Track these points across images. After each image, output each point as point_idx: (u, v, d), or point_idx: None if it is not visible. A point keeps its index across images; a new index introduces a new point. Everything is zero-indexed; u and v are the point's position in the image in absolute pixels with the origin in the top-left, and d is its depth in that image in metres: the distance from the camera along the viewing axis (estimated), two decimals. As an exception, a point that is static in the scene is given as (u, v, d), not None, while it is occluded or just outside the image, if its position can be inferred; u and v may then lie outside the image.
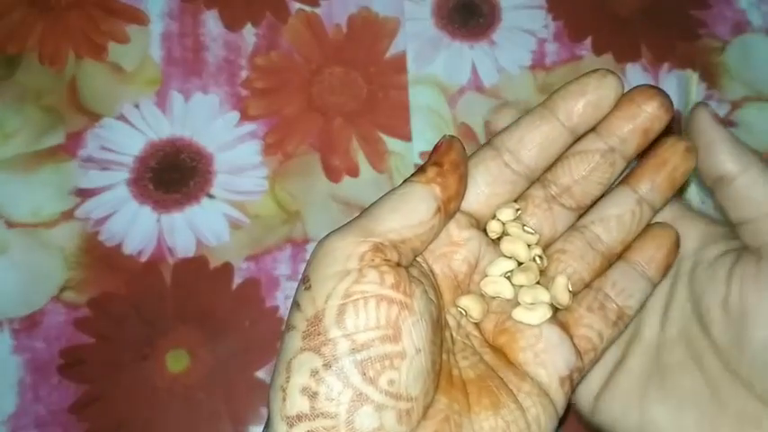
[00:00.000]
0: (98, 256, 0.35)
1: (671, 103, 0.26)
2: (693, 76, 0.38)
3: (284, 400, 0.21)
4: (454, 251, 0.25)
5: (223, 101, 0.38)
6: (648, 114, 0.26)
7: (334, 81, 0.39)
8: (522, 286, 0.26)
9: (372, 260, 0.22)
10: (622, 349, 0.29)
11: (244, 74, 0.39)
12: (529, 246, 0.26)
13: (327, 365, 0.20)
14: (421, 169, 0.24)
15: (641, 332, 0.29)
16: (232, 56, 0.39)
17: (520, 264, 0.26)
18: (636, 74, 0.40)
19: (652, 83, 0.39)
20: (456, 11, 0.40)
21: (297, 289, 0.22)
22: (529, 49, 0.40)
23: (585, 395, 0.29)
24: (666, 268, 0.27)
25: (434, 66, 0.39)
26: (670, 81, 0.40)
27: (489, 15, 0.41)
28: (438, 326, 0.23)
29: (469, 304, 0.25)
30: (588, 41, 0.40)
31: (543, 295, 0.25)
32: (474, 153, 0.26)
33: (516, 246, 0.26)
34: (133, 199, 0.36)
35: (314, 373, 0.20)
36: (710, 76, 0.40)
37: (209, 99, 0.38)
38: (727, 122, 0.39)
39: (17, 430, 0.33)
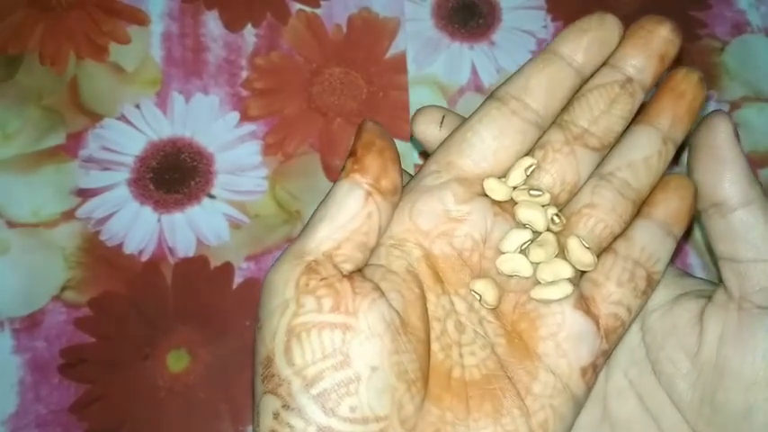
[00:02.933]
0: (99, 256, 0.35)
1: (680, 28, 0.25)
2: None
3: None
4: (454, 228, 0.23)
5: (223, 101, 0.38)
6: (663, 39, 0.25)
7: (335, 81, 0.39)
8: (539, 263, 0.24)
9: (307, 285, 0.21)
10: None
11: (244, 74, 0.39)
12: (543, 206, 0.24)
13: (286, 406, 0.20)
14: (342, 168, 0.23)
15: None
16: (232, 56, 0.39)
17: (536, 234, 0.24)
18: (635, 74, 0.40)
19: (652, 83, 0.40)
20: (456, 11, 0.41)
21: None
22: (528, 50, 0.40)
23: None
24: (689, 222, 0.25)
25: (434, 66, 0.39)
26: (670, 81, 0.40)
27: (489, 16, 0.41)
28: (406, 330, 0.21)
29: (483, 288, 0.23)
30: (588, 42, 0.40)
31: (564, 270, 0.23)
32: (476, 109, 0.25)
33: (532, 212, 0.23)
34: (134, 199, 0.36)
35: (276, 415, 0.20)
36: (710, 77, 0.40)
37: (209, 99, 0.38)
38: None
39: (18, 430, 0.33)
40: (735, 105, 0.39)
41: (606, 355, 0.24)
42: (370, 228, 0.22)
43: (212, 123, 0.38)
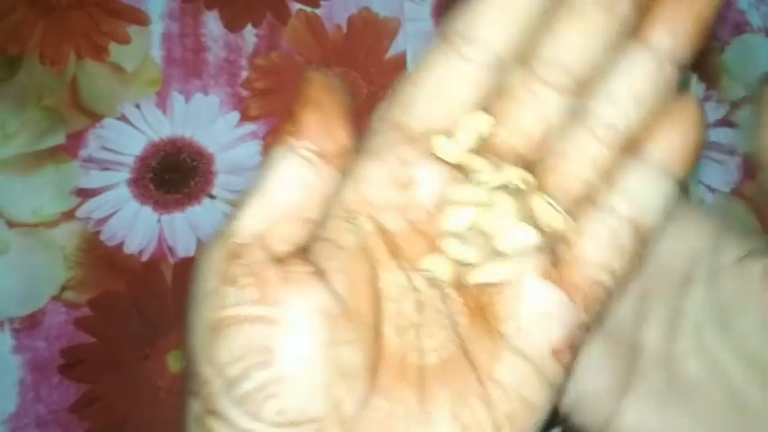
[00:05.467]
0: (99, 256, 0.35)
1: None
2: (692, 77, 0.38)
3: None
4: (403, 197, 0.20)
5: (223, 101, 0.38)
6: None
7: (335, 81, 0.39)
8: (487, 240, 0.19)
9: (230, 272, 0.18)
10: (623, 372, 0.22)
11: (244, 74, 0.39)
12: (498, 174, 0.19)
13: (207, 410, 0.18)
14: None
15: (644, 346, 0.22)
16: (232, 56, 0.39)
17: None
18: (635, 74, 0.40)
19: (652, 83, 0.39)
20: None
21: None
22: (529, 50, 0.40)
23: (594, 426, 0.22)
24: (696, 157, 0.20)
25: (434, 66, 0.39)
26: (669, 81, 0.40)
27: (489, 16, 0.41)
28: (349, 317, 0.19)
29: (433, 264, 0.20)
30: (588, 42, 0.40)
31: (527, 236, 0.19)
32: (425, 53, 0.20)
33: (466, 192, 0.20)
34: (134, 199, 0.36)
35: (197, 420, 0.18)
36: (709, 77, 0.40)
37: (209, 99, 0.38)
38: (726, 123, 0.39)
39: (18, 430, 0.33)
40: (734, 105, 0.39)
41: (587, 329, 0.20)
42: (311, 200, 0.19)
43: (212, 123, 0.38)
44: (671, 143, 0.20)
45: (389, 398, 0.18)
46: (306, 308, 0.18)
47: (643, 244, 0.20)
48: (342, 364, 0.18)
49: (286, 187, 0.19)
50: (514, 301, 0.19)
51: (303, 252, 0.19)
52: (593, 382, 0.22)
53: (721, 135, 0.39)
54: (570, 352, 0.19)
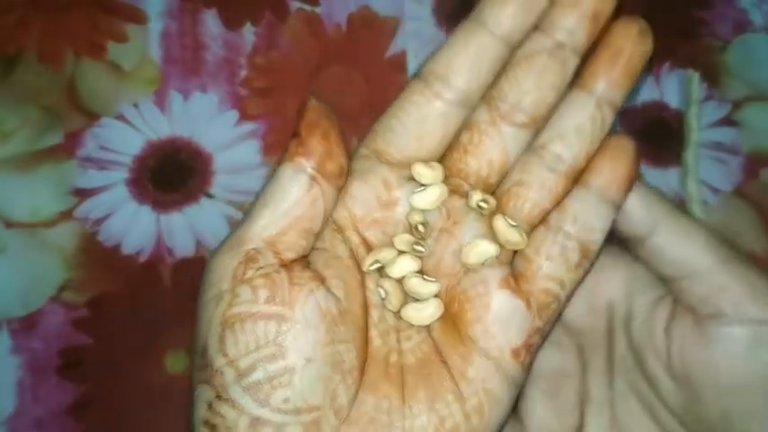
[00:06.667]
0: (97, 257, 0.35)
1: None
2: (695, 76, 0.38)
3: None
4: (385, 215, 0.23)
5: (222, 100, 0.38)
6: None
7: (334, 81, 0.39)
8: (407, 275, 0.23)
9: (244, 274, 0.21)
10: (576, 415, 0.27)
11: (243, 73, 0.39)
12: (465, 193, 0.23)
13: (219, 396, 0.20)
14: (285, 150, 0.22)
15: (590, 392, 0.26)
16: (231, 55, 0.39)
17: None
18: (637, 73, 0.40)
19: (653, 82, 0.39)
20: (456, 10, 0.40)
21: None
22: (529, 49, 0.40)
23: None
24: (629, 185, 0.24)
25: (434, 65, 0.39)
26: (671, 80, 0.39)
27: (490, 14, 0.41)
28: (345, 318, 0.21)
29: (389, 290, 0.23)
30: (589, 41, 0.40)
31: (489, 249, 0.22)
32: (403, 90, 0.24)
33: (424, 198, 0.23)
34: (132, 199, 0.36)
35: (209, 405, 0.20)
36: (711, 76, 0.40)
37: (208, 98, 0.38)
38: (728, 122, 0.39)
39: (16, 431, 0.33)
40: (736, 105, 0.39)
41: (542, 333, 0.23)
42: (314, 214, 0.22)
43: (211, 122, 0.38)
44: (608, 174, 0.23)
45: (375, 393, 0.21)
46: (311, 309, 0.21)
47: (588, 259, 0.23)
48: (339, 361, 0.21)
49: (294, 201, 0.21)
50: (482, 308, 0.22)
51: (305, 260, 0.22)
52: (549, 427, 0.26)
53: (723, 134, 0.39)
54: (527, 353, 0.23)
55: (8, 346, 0.34)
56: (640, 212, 0.24)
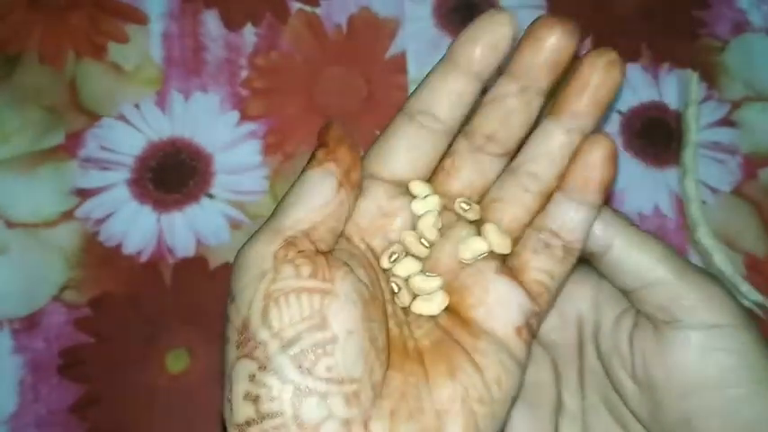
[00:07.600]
0: (98, 256, 0.35)
1: (573, 26, 0.25)
2: (693, 76, 0.38)
3: (231, 410, 0.21)
4: (388, 223, 0.25)
5: (223, 101, 0.38)
6: (553, 46, 0.25)
7: (335, 81, 0.39)
8: (409, 277, 0.25)
9: (286, 255, 0.22)
10: (551, 427, 0.28)
11: (244, 74, 0.39)
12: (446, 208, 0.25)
13: (263, 367, 0.21)
14: (311, 157, 0.24)
15: (564, 403, 0.28)
16: (232, 56, 0.39)
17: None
18: (636, 73, 0.40)
19: (652, 82, 0.39)
20: (456, 11, 0.40)
21: (226, 306, 0.23)
22: (529, 49, 0.40)
23: None
24: (605, 185, 0.25)
25: (434, 66, 0.39)
26: (670, 81, 0.40)
27: (489, 15, 0.41)
28: (374, 303, 0.23)
29: (401, 284, 0.25)
30: (588, 41, 0.40)
31: (481, 245, 0.25)
32: (391, 122, 0.26)
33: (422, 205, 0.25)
34: (133, 199, 0.36)
35: (251, 377, 0.21)
36: (710, 76, 0.40)
37: (209, 99, 0.38)
38: (727, 122, 0.39)
39: (18, 430, 0.33)
40: (735, 105, 0.39)
41: (540, 317, 0.25)
42: (341, 214, 0.23)
43: (212, 123, 0.38)
44: (585, 178, 0.25)
45: (401, 371, 0.22)
46: (350, 286, 0.22)
47: (572, 255, 0.25)
48: (374, 337, 0.22)
49: (324, 201, 0.23)
50: (482, 293, 0.24)
51: (331, 254, 0.23)
52: None
53: (722, 135, 0.39)
54: (529, 333, 0.24)
55: (10, 346, 0.34)
56: (598, 229, 0.26)
